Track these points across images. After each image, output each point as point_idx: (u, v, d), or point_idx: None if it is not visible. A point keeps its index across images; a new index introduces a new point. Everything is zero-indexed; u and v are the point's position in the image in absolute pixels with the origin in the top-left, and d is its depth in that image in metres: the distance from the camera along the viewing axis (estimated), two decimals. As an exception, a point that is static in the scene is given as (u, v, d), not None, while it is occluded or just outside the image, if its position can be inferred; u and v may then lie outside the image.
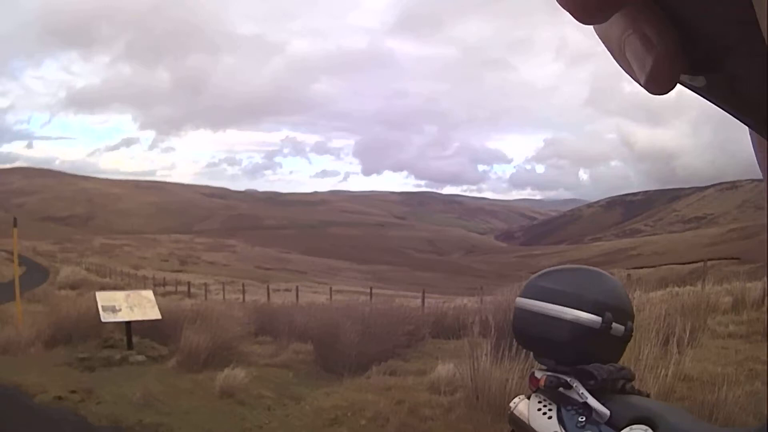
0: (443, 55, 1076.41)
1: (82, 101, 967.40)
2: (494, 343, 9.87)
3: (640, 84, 0.40)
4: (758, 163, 0.44)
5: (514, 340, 2.87)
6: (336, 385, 12.17)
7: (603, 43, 0.57)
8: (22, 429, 10.17)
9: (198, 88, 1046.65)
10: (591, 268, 2.67)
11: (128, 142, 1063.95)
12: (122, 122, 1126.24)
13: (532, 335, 2.56)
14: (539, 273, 2.67)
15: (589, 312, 2.38)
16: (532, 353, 2.66)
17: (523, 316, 2.54)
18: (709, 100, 0.44)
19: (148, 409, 10.62)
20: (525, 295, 2.56)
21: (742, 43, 0.36)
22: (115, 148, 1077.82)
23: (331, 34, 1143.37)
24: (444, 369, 11.29)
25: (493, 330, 10.69)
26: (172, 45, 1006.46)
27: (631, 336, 2.50)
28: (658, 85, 0.51)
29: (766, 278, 21.02)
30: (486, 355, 9.43)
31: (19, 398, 11.72)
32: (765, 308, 16.93)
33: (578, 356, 2.43)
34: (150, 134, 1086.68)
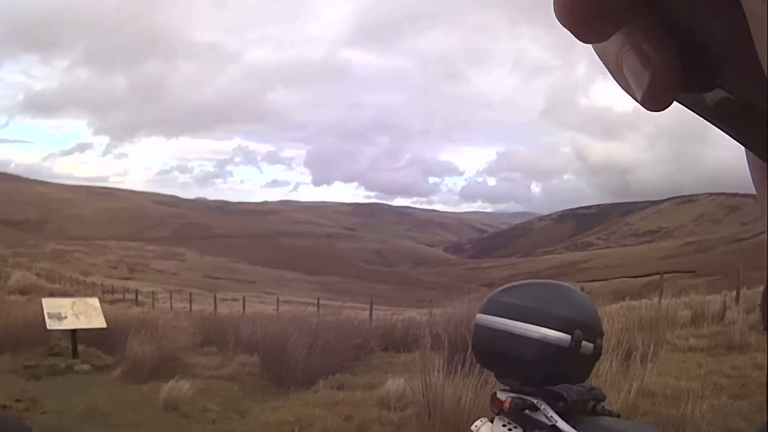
0: (400, 66, 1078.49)
1: (40, 105, 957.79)
2: (447, 358, 9.71)
3: (637, 101, 0.40)
4: (753, 182, 0.44)
5: (474, 358, 2.80)
6: (282, 399, 12.04)
7: (601, 60, 0.44)
8: None
9: (153, 95, 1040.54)
10: (557, 282, 2.63)
11: (82, 147, 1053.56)
12: (78, 127, 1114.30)
13: (494, 354, 2.51)
14: (502, 288, 2.62)
15: (557, 330, 2.33)
16: (493, 373, 2.59)
17: (485, 334, 2.49)
18: (707, 119, 0.43)
19: (92, 421, 10.44)
20: (487, 311, 2.51)
21: (742, 61, 0.37)
22: (70, 153, 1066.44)
23: (289, 44, 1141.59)
24: (394, 384, 11.14)
25: (445, 344, 10.54)
26: (130, 51, 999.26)
27: (601, 354, 2.48)
28: (655, 101, 0.51)
29: (734, 291, 21.42)
30: (438, 370, 9.23)
31: (-39, 407, 11.50)
32: (724, 322, 16.87)
33: (546, 376, 2.37)
34: (104, 140, 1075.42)
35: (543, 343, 2.32)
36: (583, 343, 2.35)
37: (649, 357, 9.93)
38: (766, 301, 15.00)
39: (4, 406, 11.22)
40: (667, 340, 13.50)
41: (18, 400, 11.54)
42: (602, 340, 2.47)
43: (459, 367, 9.11)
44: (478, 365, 8.58)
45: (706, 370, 11.93)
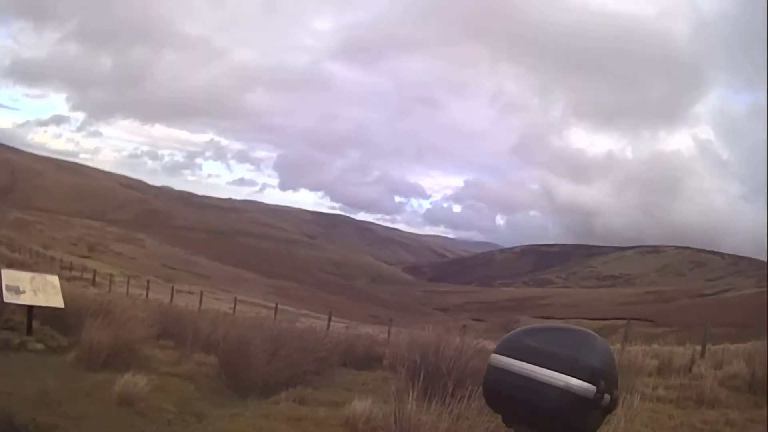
0: (380, 85, 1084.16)
1: (25, 72, 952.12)
2: (422, 385, 9.30)
3: None
4: None
5: (485, 399, 2.47)
6: (241, 407, 11.81)
7: None
8: None
9: (135, 79, 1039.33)
10: (580, 328, 2.42)
11: (58, 120, 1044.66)
12: (57, 100, 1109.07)
13: (509, 398, 2.30)
14: (523, 330, 2.43)
15: (583, 379, 2.17)
16: (502, 417, 2.38)
17: (501, 377, 2.31)
18: None
19: (44, 408, 9.92)
20: (505, 352, 2.33)
21: None
22: (45, 123, 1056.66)
23: (275, 49, 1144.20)
24: (361, 405, 10.77)
25: (421, 371, 10.27)
26: (121, 34, 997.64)
27: (615, 406, 2.30)
28: None
29: (700, 346, 21.46)
30: (414, 398, 8.83)
31: None
32: (691, 375, 17.02)
33: (563, 427, 2.22)
34: (80, 116, 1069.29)
35: (566, 393, 2.17)
36: (604, 394, 2.22)
37: (621, 404, 9.67)
38: None
39: None
40: (635, 388, 13.25)
41: None
42: (617, 390, 2.30)
43: (434, 395, 8.87)
44: (453, 395, 8.59)
45: (677, 422, 12.01)
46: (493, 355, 2.37)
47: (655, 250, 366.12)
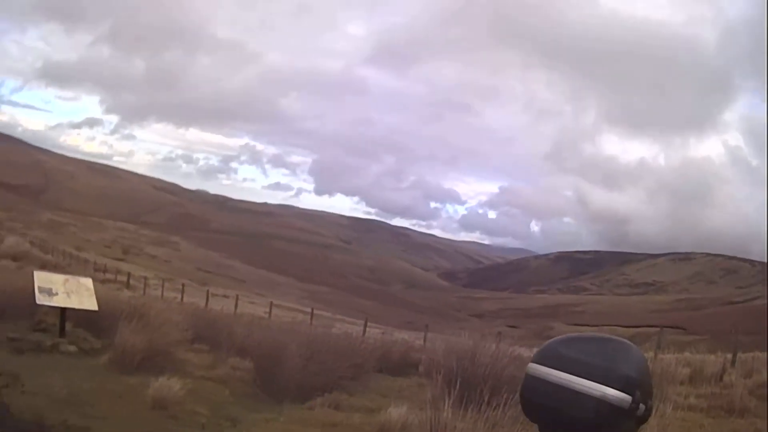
0: (414, 91, 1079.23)
1: (57, 75, 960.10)
2: (458, 392, 9.32)
3: None
4: None
5: (522, 408, 2.50)
6: (275, 412, 11.73)
7: None
8: None
9: (169, 83, 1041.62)
10: (617, 338, 2.43)
11: (91, 123, 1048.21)
12: (90, 103, 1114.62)
13: (545, 408, 2.34)
14: (560, 339, 2.46)
15: (618, 389, 2.20)
16: (539, 427, 2.44)
17: (537, 386, 2.34)
18: None
19: (75, 408, 9.87)
20: (542, 362, 2.37)
21: None
22: (78, 126, 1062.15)
23: (309, 53, 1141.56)
24: (396, 411, 10.63)
25: (458, 378, 10.20)
26: (154, 37, 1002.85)
27: (649, 416, 2.31)
28: None
29: (731, 354, 21.18)
30: (450, 405, 8.72)
31: (-62, 375, 10.88)
32: (722, 383, 16.81)
33: None
34: (114, 119, 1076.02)
35: (602, 403, 2.20)
36: (639, 404, 2.24)
37: (653, 413, 9.56)
38: None
39: None
40: (667, 396, 13.15)
41: None
42: (651, 400, 2.35)
43: (470, 403, 8.92)
44: (488, 403, 8.66)
45: (707, 431, 12.04)
46: (531, 365, 2.40)
47: (686, 257, 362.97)
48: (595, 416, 2.20)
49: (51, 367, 12.59)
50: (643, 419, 2.30)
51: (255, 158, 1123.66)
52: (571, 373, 2.25)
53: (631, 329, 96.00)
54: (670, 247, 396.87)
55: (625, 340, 2.41)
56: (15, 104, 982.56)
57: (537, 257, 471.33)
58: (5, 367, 11.53)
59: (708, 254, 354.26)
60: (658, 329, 34.59)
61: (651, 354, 20.97)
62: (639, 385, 2.24)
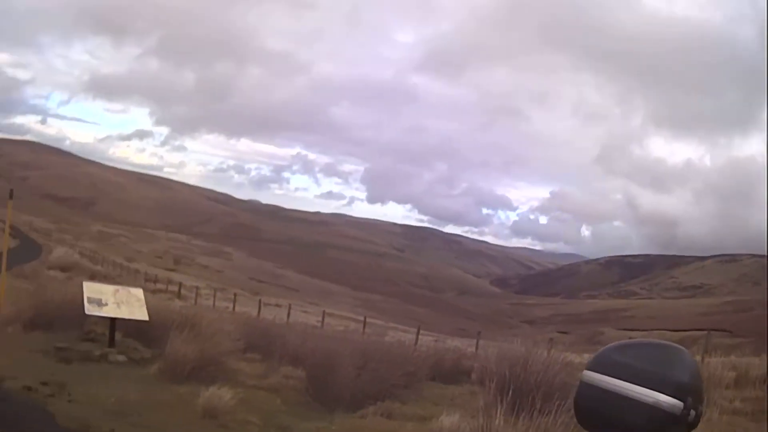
0: (464, 97, 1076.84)
1: (105, 87, 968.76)
2: (510, 400, 9.31)
3: None
4: None
5: (575, 416, 2.50)
6: (327, 420, 11.68)
7: None
8: None
9: (220, 94, 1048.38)
10: (670, 343, 2.43)
11: (141, 135, 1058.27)
12: (139, 115, 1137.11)
13: (599, 415, 2.34)
14: (614, 345, 2.46)
15: (671, 396, 2.20)
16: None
17: (591, 393, 2.35)
18: None
19: (122, 418, 9.84)
20: (597, 368, 2.37)
21: None
22: (127, 138, 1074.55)
23: (359, 62, 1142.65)
24: (449, 419, 10.43)
25: (510, 385, 10.21)
26: (203, 49, 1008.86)
27: (698, 422, 2.28)
28: None
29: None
30: (502, 412, 8.72)
31: (-16, 382, 10.83)
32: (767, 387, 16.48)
33: None
34: (164, 131, 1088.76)
35: (655, 409, 2.19)
36: (690, 410, 2.23)
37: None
38: None
39: (29, 388, 10.62)
40: (714, 400, 13.22)
41: (45, 383, 11.06)
42: (702, 406, 2.31)
43: (521, 410, 8.90)
44: (540, 410, 8.58)
45: None
46: (585, 372, 2.41)
47: (733, 259, 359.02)
48: (648, 423, 2.20)
49: (99, 376, 12.65)
50: (693, 425, 2.27)
51: (307, 168, 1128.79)
52: (624, 380, 2.25)
53: (679, 333, 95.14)
54: (718, 249, 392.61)
55: (678, 345, 2.41)
56: (62, 117, 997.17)
57: (588, 262, 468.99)
58: (52, 376, 11.59)
59: (753, 255, 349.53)
60: (704, 332, 34.38)
61: (698, 358, 20.60)
62: (691, 391, 2.23)
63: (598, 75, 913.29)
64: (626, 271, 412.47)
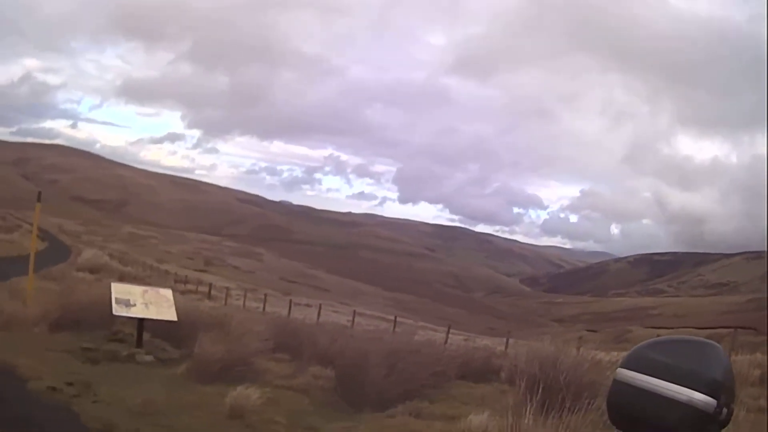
0: (495, 98, 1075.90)
1: (137, 91, 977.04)
2: (540, 399, 9.16)
3: None
4: None
5: (608, 414, 2.41)
6: (355, 420, 11.63)
7: None
8: (4, 417, 9.11)
9: (252, 97, 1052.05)
10: (705, 340, 2.35)
11: (173, 138, 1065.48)
12: (171, 118, 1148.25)
13: (632, 413, 2.26)
14: (648, 343, 2.38)
15: (704, 393, 2.13)
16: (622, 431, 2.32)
17: (625, 391, 2.26)
18: None
19: (148, 418, 9.81)
20: (630, 366, 2.28)
21: None
22: (159, 141, 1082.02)
23: (391, 65, 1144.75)
24: (477, 418, 10.38)
25: (540, 385, 9.99)
26: (236, 53, 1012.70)
27: (730, 420, 2.21)
28: None
29: None
30: (531, 411, 8.64)
31: (11, 381, 10.94)
32: None
33: None
34: (196, 133, 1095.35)
35: (688, 407, 2.14)
36: (723, 408, 2.16)
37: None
38: None
39: (54, 389, 10.62)
40: (740, 398, 12.75)
41: (70, 384, 11.05)
42: (734, 404, 2.24)
43: (551, 409, 8.81)
44: (569, 409, 8.55)
45: None
46: (619, 369, 2.33)
47: (758, 256, 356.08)
48: (680, 421, 2.15)
49: (126, 376, 12.64)
50: (725, 423, 2.21)
51: (339, 168, 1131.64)
52: (657, 377, 2.19)
53: (705, 331, 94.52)
54: (745, 246, 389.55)
55: (712, 342, 2.34)
56: (93, 121, 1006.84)
57: (616, 260, 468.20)
58: (77, 377, 11.60)
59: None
60: (730, 330, 34.18)
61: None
62: (724, 389, 2.17)
63: (625, 75, 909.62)
64: (654, 269, 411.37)
